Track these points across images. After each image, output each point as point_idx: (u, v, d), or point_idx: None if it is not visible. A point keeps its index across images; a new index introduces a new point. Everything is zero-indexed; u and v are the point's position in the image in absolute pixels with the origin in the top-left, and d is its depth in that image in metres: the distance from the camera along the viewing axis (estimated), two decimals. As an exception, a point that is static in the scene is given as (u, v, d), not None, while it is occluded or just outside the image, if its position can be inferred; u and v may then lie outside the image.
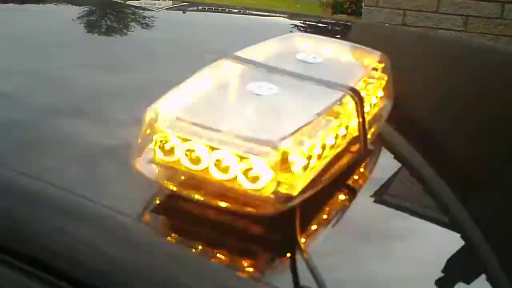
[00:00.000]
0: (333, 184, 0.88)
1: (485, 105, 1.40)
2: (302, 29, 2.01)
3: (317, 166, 0.84)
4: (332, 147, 0.87)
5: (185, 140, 0.80)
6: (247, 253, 0.80)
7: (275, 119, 0.84)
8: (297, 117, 0.84)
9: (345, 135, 0.91)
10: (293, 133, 0.80)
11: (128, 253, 0.78)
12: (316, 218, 0.86)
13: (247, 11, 2.45)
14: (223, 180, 0.79)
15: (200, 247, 0.79)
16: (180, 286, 0.73)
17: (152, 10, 2.02)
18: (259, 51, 1.04)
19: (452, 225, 0.94)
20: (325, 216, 0.88)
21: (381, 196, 0.97)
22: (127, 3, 2.29)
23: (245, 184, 0.78)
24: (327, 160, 0.87)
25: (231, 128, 0.79)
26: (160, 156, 0.82)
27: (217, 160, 0.78)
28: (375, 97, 1.03)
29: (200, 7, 2.43)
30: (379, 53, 1.09)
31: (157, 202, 0.86)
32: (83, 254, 0.77)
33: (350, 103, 0.91)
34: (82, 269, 0.76)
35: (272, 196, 0.78)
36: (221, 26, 1.94)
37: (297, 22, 2.13)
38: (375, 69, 1.05)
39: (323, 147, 0.85)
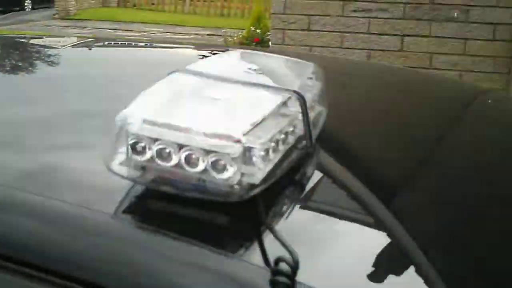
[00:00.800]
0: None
1: (403, 116, 1.55)
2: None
3: (273, 159, 0.94)
4: (283, 142, 0.98)
5: (156, 140, 0.89)
6: (219, 235, 0.90)
7: (234, 118, 0.94)
8: (252, 116, 0.94)
9: (293, 132, 1.02)
10: (251, 129, 0.90)
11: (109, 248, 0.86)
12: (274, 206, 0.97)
13: (153, 45, 2.54)
14: (194, 173, 0.88)
15: (176, 235, 0.88)
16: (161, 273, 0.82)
17: (57, 48, 2.03)
18: (207, 65, 1.14)
19: (377, 225, 1.05)
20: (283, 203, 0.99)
21: (308, 199, 1.08)
22: (30, 42, 2.29)
23: (213, 175, 0.88)
24: (280, 154, 0.97)
25: (196, 126, 0.89)
26: (133, 156, 0.91)
27: (187, 156, 0.88)
28: (312, 101, 1.15)
29: (106, 43, 2.49)
30: (312, 63, 1.21)
31: (132, 199, 0.94)
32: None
33: (295, 104, 1.02)
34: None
35: (237, 185, 0.88)
36: (125, 60, 1.99)
37: (205, 52, 2.23)
38: (310, 77, 1.18)
39: (277, 142, 0.96)
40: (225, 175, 0.88)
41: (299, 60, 1.25)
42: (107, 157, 0.92)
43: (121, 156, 0.92)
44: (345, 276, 0.87)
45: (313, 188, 1.06)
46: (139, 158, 0.90)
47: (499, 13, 4.88)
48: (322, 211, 1.03)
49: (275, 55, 1.28)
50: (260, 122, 0.93)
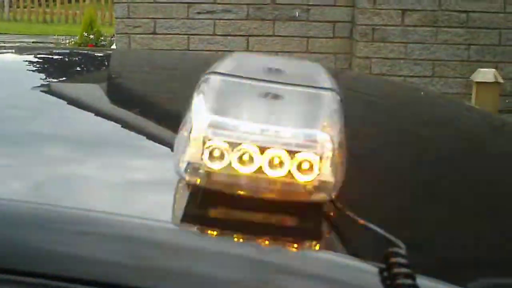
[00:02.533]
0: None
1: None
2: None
3: (343, 158, 0.93)
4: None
5: (235, 144, 0.84)
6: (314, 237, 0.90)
7: (302, 118, 0.91)
8: (318, 116, 0.93)
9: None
10: (327, 128, 0.89)
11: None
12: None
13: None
14: (277, 177, 0.85)
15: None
16: None
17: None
18: (229, 68, 1.09)
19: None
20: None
21: None
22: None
23: (298, 178, 0.85)
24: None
25: (275, 128, 0.85)
26: (209, 164, 0.85)
27: (270, 159, 0.84)
28: None
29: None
30: (318, 62, 1.21)
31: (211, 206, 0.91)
32: None
33: (337, 103, 1.01)
34: None
35: (322, 186, 0.86)
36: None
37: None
38: (326, 75, 1.18)
39: (341, 142, 0.94)
40: (310, 176, 0.86)
41: (305, 60, 1.25)
42: (180, 165, 0.87)
43: (196, 163, 0.86)
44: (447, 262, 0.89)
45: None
46: (217, 164, 0.85)
47: (337, 12, 5.11)
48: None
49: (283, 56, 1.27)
50: (332, 121, 0.92)
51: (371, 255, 0.84)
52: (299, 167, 0.85)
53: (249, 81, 1.01)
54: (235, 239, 0.86)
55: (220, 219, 0.91)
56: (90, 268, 0.82)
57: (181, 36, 5.20)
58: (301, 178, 0.85)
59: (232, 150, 0.85)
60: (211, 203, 0.90)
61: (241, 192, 0.87)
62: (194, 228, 0.89)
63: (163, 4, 5.13)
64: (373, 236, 0.85)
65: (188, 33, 5.20)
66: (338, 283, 0.82)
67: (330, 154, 0.86)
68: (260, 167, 0.85)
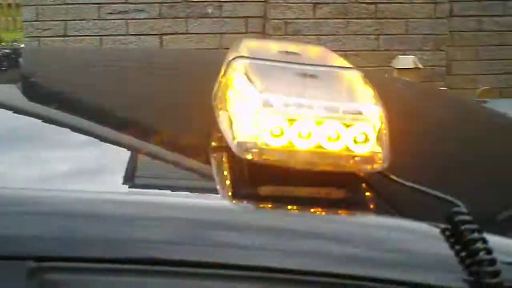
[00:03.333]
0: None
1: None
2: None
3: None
4: None
5: (294, 120, 0.87)
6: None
7: (346, 94, 0.96)
8: (359, 91, 0.96)
9: None
10: (376, 102, 0.92)
11: None
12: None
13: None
14: (335, 151, 0.88)
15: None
16: None
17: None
18: (250, 52, 1.10)
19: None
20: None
21: None
22: None
23: (355, 150, 0.88)
24: None
25: (327, 103, 0.89)
26: (269, 140, 0.87)
27: (328, 133, 0.88)
28: None
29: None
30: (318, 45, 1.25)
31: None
32: None
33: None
34: None
35: (377, 156, 0.90)
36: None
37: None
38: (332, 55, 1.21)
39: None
40: (367, 148, 0.88)
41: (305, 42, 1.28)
42: (236, 142, 0.89)
43: (255, 141, 0.89)
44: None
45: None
46: (277, 141, 0.88)
47: (249, 7, 5.16)
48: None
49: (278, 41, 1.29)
50: (374, 97, 0.95)
51: (433, 217, 0.89)
52: (355, 139, 0.89)
53: (279, 63, 1.04)
54: (310, 211, 0.89)
55: (283, 193, 0.93)
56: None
57: (92, 37, 5.11)
58: (357, 150, 0.89)
59: (291, 126, 0.87)
60: (269, 178, 0.92)
61: (300, 167, 0.90)
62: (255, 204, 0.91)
63: (73, 5, 5.02)
64: (429, 199, 0.90)
65: (100, 34, 5.11)
66: (406, 247, 0.86)
67: (382, 126, 0.90)
68: (318, 142, 0.88)
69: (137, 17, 5.10)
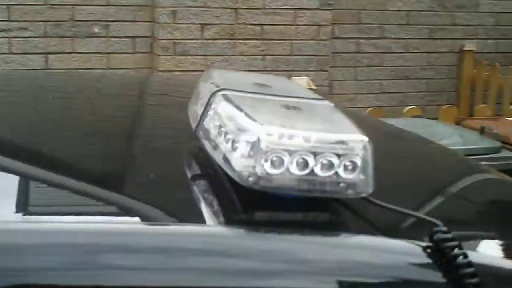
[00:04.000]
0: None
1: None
2: None
3: None
4: None
5: (293, 151, 0.95)
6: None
7: (331, 125, 1.05)
8: (346, 122, 1.04)
9: None
10: (362, 133, 1.00)
11: None
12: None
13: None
14: (327, 177, 0.96)
15: None
16: None
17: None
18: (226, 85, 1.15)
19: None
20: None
21: None
22: None
23: (344, 176, 0.97)
24: None
25: (322, 135, 0.97)
26: (269, 169, 0.94)
27: (322, 162, 0.95)
28: None
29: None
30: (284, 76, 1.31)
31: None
32: None
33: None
34: None
35: (364, 182, 0.98)
36: None
37: None
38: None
39: None
40: (354, 174, 0.96)
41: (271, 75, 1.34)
42: (237, 169, 0.95)
43: (258, 170, 0.95)
44: None
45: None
46: (277, 169, 0.95)
47: (137, 27, 5.16)
48: None
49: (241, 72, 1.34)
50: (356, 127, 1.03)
51: (415, 236, 0.98)
52: (345, 167, 0.96)
53: (262, 96, 1.11)
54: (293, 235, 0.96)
55: (277, 217, 1.00)
56: None
57: (-27, 56, 4.93)
58: (346, 177, 0.97)
59: (290, 156, 0.94)
60: (266, 204, 0.98)
61: (295, 193, 0.96)
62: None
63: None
64: (408, 220, 0.99)
65: (-19, 52, 4.94)
66: (391, 266, 0.94)
67: (367, 154, 0.98)
68: (313, 170, 0.95)
69: (20, 35, 4.97)
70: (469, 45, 5.68)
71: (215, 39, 5.14)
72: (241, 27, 5.16)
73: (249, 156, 0.95)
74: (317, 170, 0.96)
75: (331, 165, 0.96)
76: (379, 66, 5.63)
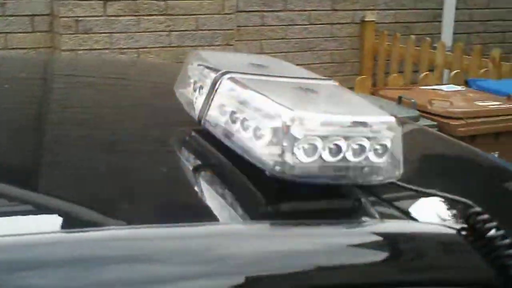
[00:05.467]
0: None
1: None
2: None
3: None
4: None
5: (325, 137, 0.90)
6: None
7: (350, 106, 1.02)
8: (361, 103, 1.01)
9: None
10: (387, 114, 0.98)
11: None
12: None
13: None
14: (359, 161, 0.93)
15: None
16: None
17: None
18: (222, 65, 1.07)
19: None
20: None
21: None
22: None
23: (375, 161, 0.94)
24: None
25: (353, 118, 0.93)
26: (302, 158, 0.89)
27: (354, 147, 0.92)
28: None
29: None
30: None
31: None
32: None
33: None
34: None
35: (394, 165, 0.96)
36: None
37: None
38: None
39: None
40: (384, 159, 0.93)
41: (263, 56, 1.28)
42: (265, 158, 0.90)
43: (288, 158, 0.90)
44: None
45: None
46: (309, 157, 0.90)
47: (35, 5, 4.93)
48: None
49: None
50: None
51: (450, 219, 0.97)
52: (375, 151, 0.94)
53: (269, 78, 1.06)
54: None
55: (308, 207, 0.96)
56: None
57: None
58: (377, 161, 0.94)
59: (323, 142, 0.90)
60: (288, 194, 0.94)
61: (328, 181, 0.93)
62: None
63: None
64: (437, 203, 0.98)
65: None
66: (426, 248, 0.93)
67: (399, 136, 0.96)
68: (345, 156, 0.92)
69: None
70: (370, 16, 5.78)
71: (119, 15, 4.98)
72: (145, 2, 5.03)
73: (277, 143, 0.90)
74: (349, 155, 0.92)
75: (362, 150, 0.93)
76: (284, 38, 5.64)
